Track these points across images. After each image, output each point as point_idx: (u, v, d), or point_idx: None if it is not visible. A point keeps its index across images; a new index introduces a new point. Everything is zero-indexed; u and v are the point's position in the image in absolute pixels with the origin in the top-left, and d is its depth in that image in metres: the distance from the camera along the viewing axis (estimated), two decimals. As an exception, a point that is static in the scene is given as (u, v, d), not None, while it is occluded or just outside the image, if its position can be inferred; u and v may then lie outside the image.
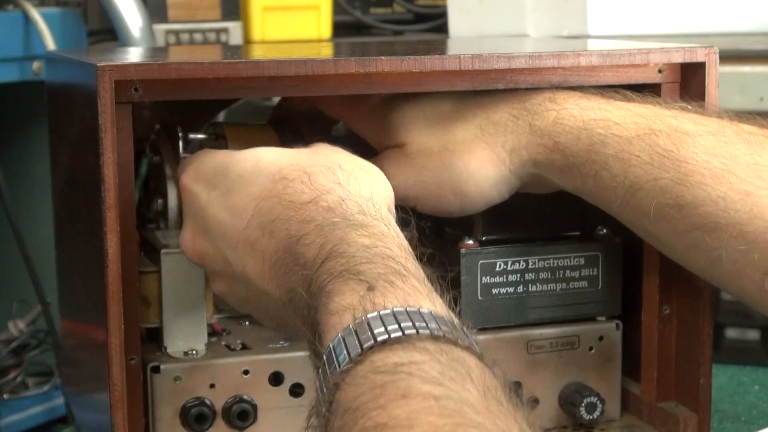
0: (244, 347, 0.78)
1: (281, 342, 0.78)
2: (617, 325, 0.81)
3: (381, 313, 0.52)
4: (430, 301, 0.54)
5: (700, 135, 0.69)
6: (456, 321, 0.53)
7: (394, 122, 0.76)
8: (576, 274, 0.80)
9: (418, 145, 0.75)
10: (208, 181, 0.67)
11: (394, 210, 0.65)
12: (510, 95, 0.74)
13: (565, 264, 0.79)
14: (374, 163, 0.75)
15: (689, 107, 0.72)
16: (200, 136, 0.80)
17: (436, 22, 1.61)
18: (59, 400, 1.06)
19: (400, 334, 0.50)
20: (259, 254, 0.62)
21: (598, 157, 0.71)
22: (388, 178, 0.72)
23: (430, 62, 0.71)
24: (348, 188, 0.62)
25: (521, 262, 0.79)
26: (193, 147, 0.81)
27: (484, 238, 0.79)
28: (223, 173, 0.66)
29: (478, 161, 0.73)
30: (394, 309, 0.52)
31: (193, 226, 0.68)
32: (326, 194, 0.61)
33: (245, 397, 0.75)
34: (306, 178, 0.62)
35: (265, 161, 0.65)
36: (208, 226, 0.66)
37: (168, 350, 0.75)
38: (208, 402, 0.74)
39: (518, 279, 0.79)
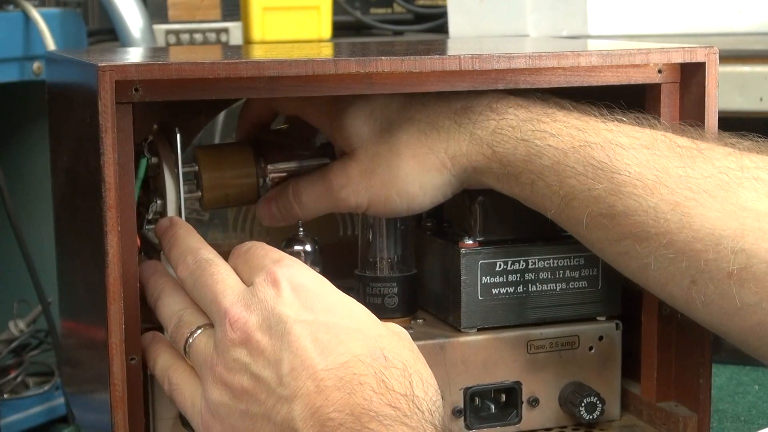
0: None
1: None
2: (617, 325, 0.81)
3: None
4: None
5: (633, 147, 0.71)
6: None
7: (347, 124, 0.77)
8: (576, 274, 0.80)
9: (366, 151, 0.76)
10: (306, 299, 0.64)
11: None
12: (454, 97, 0.75)
13: (565, 264, 0.80)
14: (323, 172, 0.78)
15: (625, 120, 0.73)
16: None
17: (436, 22, 1.61)
18: (59, 400, 1.06)
19: None
20: (320, 398, 0.60)
21: (535, 168, 0.73)
22: (339, 188, 0.76)
23: (430, 62, 0.71)
24: (437, 401, 0.62)
25: (521, 262, 0.79)
26: (191, 149, 0.82)
27: (484, 238, 0.79)
28: (328, 306, 0.63)
29: (421, 165, 0.75)
30: None
31: (261, 316, 0.63)
32: (419, 400, 0.60)
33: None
34: (404, 373, 0.61)
35: (371, 323, 0.64)
36: (282, 336, 0.62)
37: (168, 350, 0.75)
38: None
39: (518, 279, 0.79)
